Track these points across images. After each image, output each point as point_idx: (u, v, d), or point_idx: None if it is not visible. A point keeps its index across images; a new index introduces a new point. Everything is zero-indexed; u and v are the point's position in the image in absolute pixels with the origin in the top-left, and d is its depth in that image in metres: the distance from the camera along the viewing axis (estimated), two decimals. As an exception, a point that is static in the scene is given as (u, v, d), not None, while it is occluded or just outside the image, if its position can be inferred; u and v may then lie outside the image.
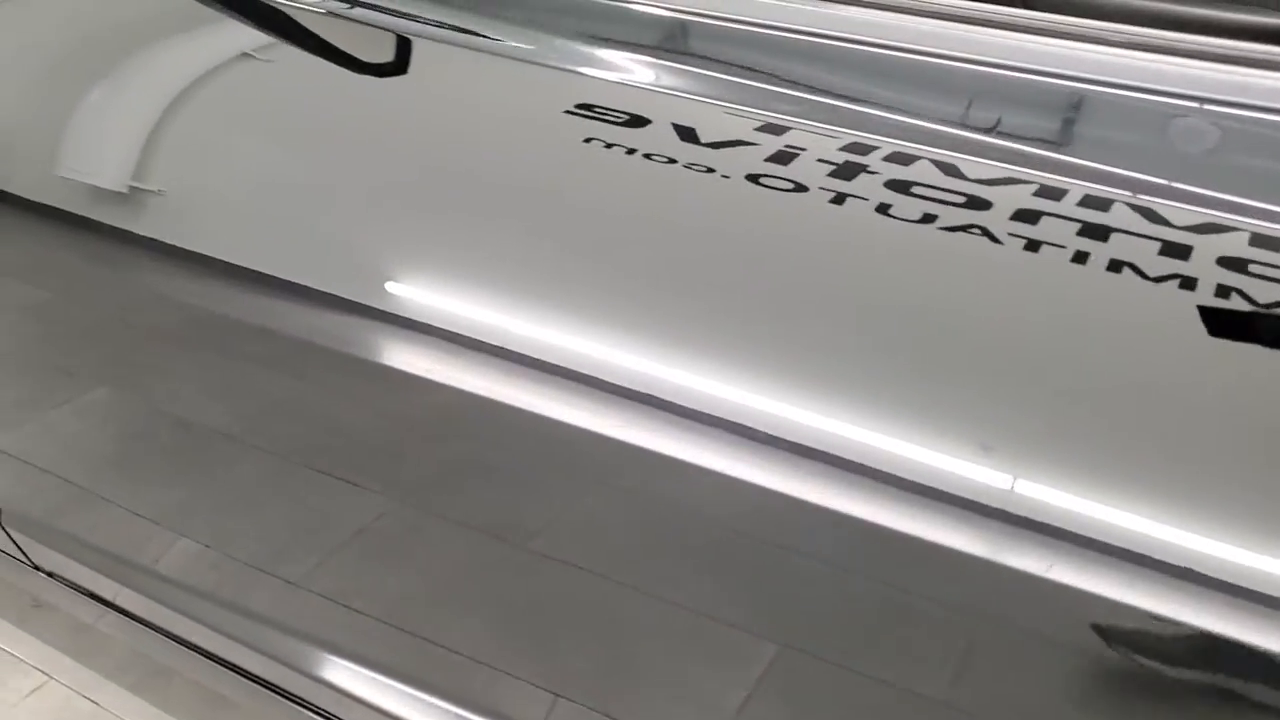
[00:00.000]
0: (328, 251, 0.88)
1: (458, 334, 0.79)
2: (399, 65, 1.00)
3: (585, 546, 0.83)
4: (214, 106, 1.00)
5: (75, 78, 1.08)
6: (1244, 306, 0.64)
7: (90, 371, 1.14)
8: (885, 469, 0.65)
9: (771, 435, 0.68)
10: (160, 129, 0.98)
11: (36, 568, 1.38)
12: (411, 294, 0.83)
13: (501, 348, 0.77)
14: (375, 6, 1.04)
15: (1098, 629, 0.61)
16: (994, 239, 0.70)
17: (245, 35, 1.07)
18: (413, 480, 0.91)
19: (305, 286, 0.86)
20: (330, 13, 1.04)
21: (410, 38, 1.01)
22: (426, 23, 1.02)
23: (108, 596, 1.32)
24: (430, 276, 0.84)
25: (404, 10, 1.04)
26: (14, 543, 1.36)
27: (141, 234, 0.95)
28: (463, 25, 1.00)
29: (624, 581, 0.83)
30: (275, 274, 0.87)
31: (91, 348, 1.12)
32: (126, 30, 1.12)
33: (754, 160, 0.79)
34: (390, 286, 0.83)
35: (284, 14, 1.06)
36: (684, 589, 0.80)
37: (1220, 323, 0.64)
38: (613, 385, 0.73)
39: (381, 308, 0.82)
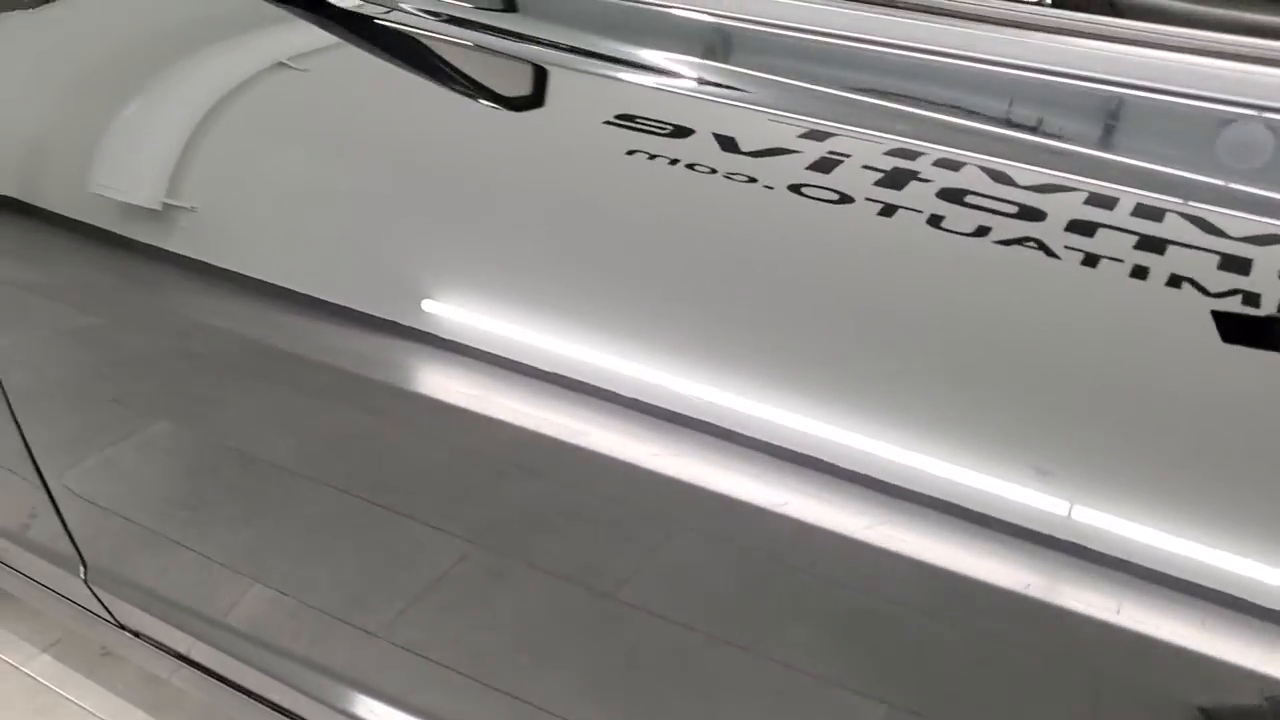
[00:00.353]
0: (373, 272, 0.90)
1: (531, 366, 0.80)
2: (535, 99, 1.00)
3: (677, 596, 0.84)
4: (249, 119, 1.02)
5: (107, 90, 1.10)
6: None
7: (146, 403, 1.17)
8: (958, 502, 0.67)
9: (863, 475, 0.69)
10: (194, 143, 1.00)
11: (122, 627, 1.42)
12: (475, 321, 0.84)
13: (579, 381, 0.78)
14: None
15: (1205, 712, 0.63)
16: (1051, 253, 0.72)
17: (279, 44, 1.09)
18: (491, 522, 0.92)
19: (357, 311, 0.88)
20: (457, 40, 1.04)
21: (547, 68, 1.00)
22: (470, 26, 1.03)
23: (182, 650, 1.35)
24: (494, 303, 0.84)
25: (436, 10, 1.05)
26: (99, 600, 1.39)
27: (177, 252, 0.98)
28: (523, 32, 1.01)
29: (719, 634, 0.83)
30: (323, 297, 0.89)
31: (145, 377, 1.14)
32: (158, 41, 1.15)
33: (796, 169, 0.82)
34: (449, 312, 0.85)
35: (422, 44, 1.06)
36: (783, 643, 0.80)
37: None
38: (693, 420, 0.75)
39: (444, 335, 0.84)
